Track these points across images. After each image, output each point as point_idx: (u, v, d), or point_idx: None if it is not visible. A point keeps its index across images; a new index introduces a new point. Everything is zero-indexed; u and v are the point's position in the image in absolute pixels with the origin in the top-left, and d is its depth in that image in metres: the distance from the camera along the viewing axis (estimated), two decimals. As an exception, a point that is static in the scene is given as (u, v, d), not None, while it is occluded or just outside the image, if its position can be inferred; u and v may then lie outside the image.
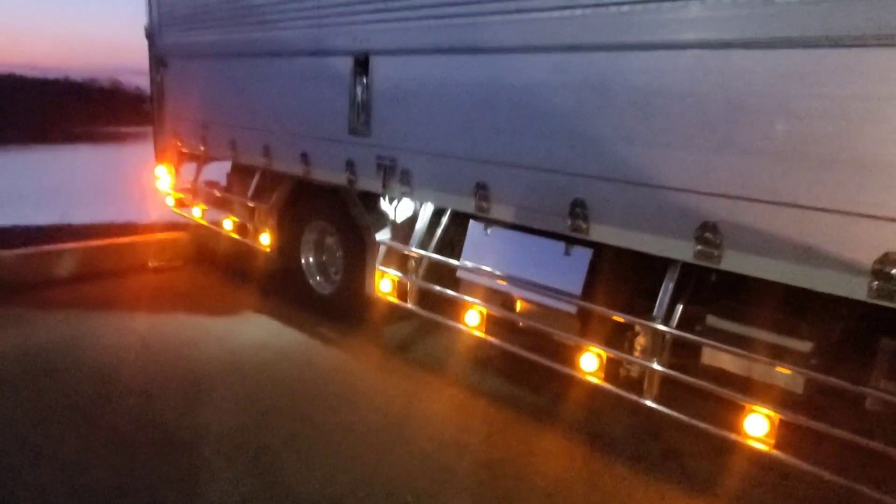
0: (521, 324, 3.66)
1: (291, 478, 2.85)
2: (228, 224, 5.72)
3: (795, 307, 2.71)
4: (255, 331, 4.61)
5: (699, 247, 2.63)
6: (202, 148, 5.78)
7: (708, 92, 2.51)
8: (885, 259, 2.17)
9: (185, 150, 6.18)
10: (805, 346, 2.66)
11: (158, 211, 6.88)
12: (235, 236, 5.72)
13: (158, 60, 6.21)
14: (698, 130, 2.56)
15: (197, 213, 6.15)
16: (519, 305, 3.69)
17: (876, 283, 2.20)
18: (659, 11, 2.61)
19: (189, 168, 6.36)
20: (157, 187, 6.52)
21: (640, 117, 2.73)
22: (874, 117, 2.15)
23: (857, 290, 2.25)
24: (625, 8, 2.72)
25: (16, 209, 8.30)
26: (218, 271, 6.05)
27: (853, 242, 2.24)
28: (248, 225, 5.53)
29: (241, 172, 5.79)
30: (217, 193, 5.99)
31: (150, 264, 6.03)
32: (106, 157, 24.74)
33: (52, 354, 4.06)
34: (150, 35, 6.26)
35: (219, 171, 6.15)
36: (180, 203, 6.37)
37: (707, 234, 2.60)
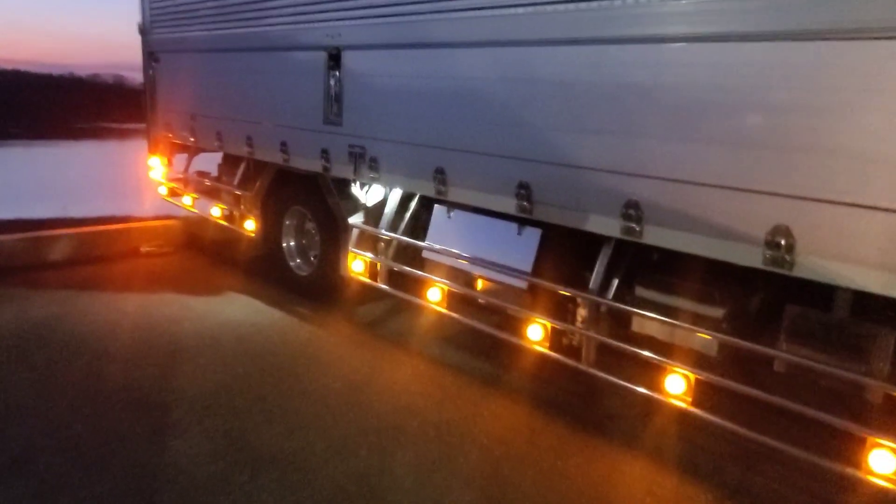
0: (478, 299, 3.95)
1: (255, 434, 3.14)
2: (216, 211, 6.03)
3: (712, 278, 2.98)
4: (236, 309, 4.90)
5: (625, 223, 2.91)
6: (191, 139, 6.07)
7: (623, 85, 2.79)
8: (776, 230, 2.44)
9: (176, 142, 6.47)
10: (718, 312, 2.94)
11: (158, 205, 7.16)
12: (223, 223, 6.03)
13: (150, 55, 6.51)
14: (620, 118, 2.84)
15: (188, 201, 6.45)
16: (479, 283, 3.99)
17: (769, 252, 2.47)
18: (580, 10, 2.90)
19: (181, 159, 6.68)
20: (150, 177, 6.82)
21: (571, 107, 3.01)
22: (766, 105, 2.42)
23: (754, 258, 2.52)
24: (548, 8, 3.01)
25: (18, 203, 8.59)
26: (206, 256, 6.35)
27: (750, 216, 2.51)
28: (234, 212, 5.83)
29: (230, 162, 6.08)
30: (206, 182, 6.29)
31: (141, 249, 6.33)
32: (108, 153, 25.11)
33: (45, 328, 4.36)
34: (143, 31, 6.56)
35: (210, 161, 6.45)
36: (172, 192, 6.68)
37: (631, 212, 2.88)
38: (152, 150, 6.75)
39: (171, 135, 6.43)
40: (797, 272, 2.43)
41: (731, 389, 2.74)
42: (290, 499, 2.66)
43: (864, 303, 2.62)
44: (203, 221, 6.55)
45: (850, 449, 2.42)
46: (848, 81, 2.22)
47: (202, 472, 2.81)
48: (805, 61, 2.30)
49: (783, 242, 2.43)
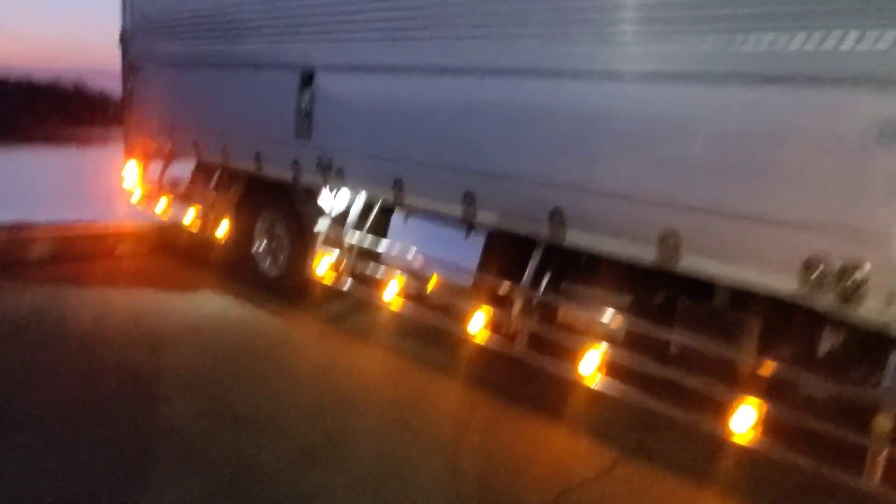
0: (432, 295, 4.49)
1: (235, 401, 3.62)
2: (191, 215, 6.46)
3: (622, 274, 3.58)
4: (212, 305, 5.35)
5: (551, 228, 3.50)
6: (169, 146, 6.50)
7: (547, 109, 3.39)
8: (665, 232, 3.04)
9: (153, 148, 6.89)
10: (626, 302, 3.54)
11: (128, 210, 7.52)
12: (195, 229, 6.45)
13: (131, 66, 6.94)
14: (547, 137, 3.43)
15: (162, 205, 6.85)
16: (433, 281, 4.53)
17: (658, 253, 3.08)
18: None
19: (156, 165, 7.08)
20: (125, 182, 7.20)
21: (507, 126, 3.60)
22: (659, 129, 3.04)
23: (648, 257, 3.13)
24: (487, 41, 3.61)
25: None
26: (180, 259, 6.76)
27: (645, 220, 3.11)
28: (208, 216, 6.28)
29: (204, 170, 6.52)
30: (181, 188, 6.72)
31: (116, 251, 6.71)
32: (69, 159, 25.02)
33: (36, 316, 4.74)
34: (124, 41, 6.99)
35: (182, 169, 6.88)
36: (147, 197, 7.08)
37: (556, 216, 3.46)
38: (129, 155, 7.15)
39: (148, 142, 6.85)
40: (681, 269, 3.04)
41: (635, 367, 3.33)
42: (268, 448, 3.15)
43: (738, 295, 3.24)
44: (176, 226, 6.97)
45: (727, 413, 3.02)
46: (731, 118, 2.84)
47: (191, 428, 3.29)
48: (698, 100, 2.92)
49: (675, 242, 3.03)
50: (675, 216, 3.01)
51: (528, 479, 3.12)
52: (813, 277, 2.65)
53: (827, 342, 3.07)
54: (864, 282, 2.53)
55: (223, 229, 6.06)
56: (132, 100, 7.00)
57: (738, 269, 2.88)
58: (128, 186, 7.14)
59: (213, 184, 6.20)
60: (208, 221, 6.26)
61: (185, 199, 6.61)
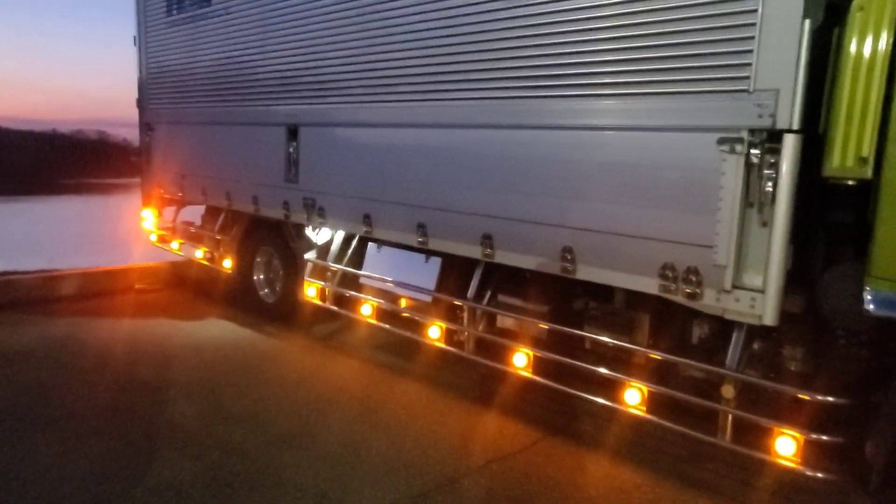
0: (400, 311, 5.30)
1: (228, 403, 4.43)
2: (200, 253, 7.37)
3: (545, 286, 4.36)
4: (215, 329, 6.21)
5: (483, 249, 4.31)
6: (180, 194, 7.46)
7: (478, 155, 4.24)
8: (564, 248, 3.84)
9: (166, 196, 7.85)
10: (545, 308, 4.33)
11: (145, 252, 8.45)
12: (205, 263, 7.37)
13: (146, 125, 7.96)
14: (476, 176, 4.27)
15: (175, 246, 7.79)
16: (402, 300, 5.35)
17: (561, 264, 3.88)
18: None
19: (169, 211, 8.04)
20: (142, 226, 8.16)
21: (445, 169, 4.45)
22: (558, 171, 3.86)
23: (554, 268, 3.93)
24: (435, 103, 4.49)
25: (4, 257, 9.14)
26: (190, 291, 7.66)
27: (549, 240, 3.91)
28: (215, 253, 7.19)
29: (211, 213, 7.46)
30: (192, 230, 7.66)
31: (136, 287, 7.64)
32: (91, 208, 26.37)
33: (65, 341, 5.63)
34: (140, 105, 8.03)
35: (193, 213, 7.83)
36: (162, 239, 8.02)
37: (486, 241, 4.28)
38: (146, 203, 8.13)
39: (162, 190, 7.82)
40: (581, 276, 3.83)
41: (557, 361, 4.10)
42: (252, 437, 3.95)
43: (632, 296, 4.00)
44: (188, 263, 7.90)
45: (621, 391, 3.76)
46: (607, 160, 3.66)
47: (190, 424, 4.10)
48: (584, 145, 3.76)
49: (571, 257, 3.83)
50: (571, 236, 3.82)
51: (463, 451, 3.87)
52: (668, 279, 3.43)
53: (697, 331, 3.83)
54: (700, 282, 3.31)
55: (228, 263, 6.96)
56: (148, 155, 8.02)
57: (617, 274, 3.68)
58: (146, 229, 8.11)
59: (218, 225, 7.12)
60: (216, 257, 7.18)
61: (195, 239, 7.55)
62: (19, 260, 8.53)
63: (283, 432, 4.04)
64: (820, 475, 3.16)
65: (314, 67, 5.46)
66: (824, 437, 3.11)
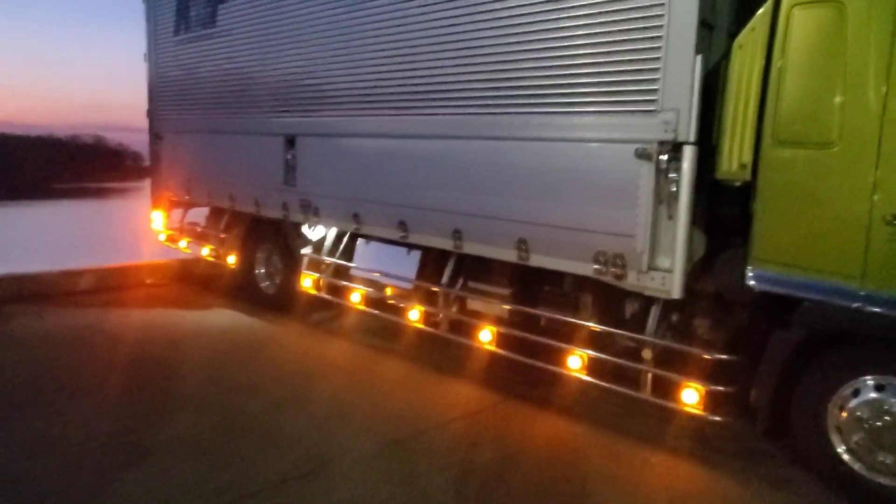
0: (385, 298, 6.09)
1: (231, 377, 5.20)
2: (206, 251, 8.16)
3: (507, 273, 5.16)
4: (220, 317, 7.00)
5: (454, 241, 5.10)
6: (187, 197, 8.25)
7: (447, 161, 5.04)
8: (519, 239, 4.64)
9: (174, 199, 8.64)
10: (507, 291, 5.12)
11: (147, 251, 9.25)
12: (211, 259, 8.15)
13: (155, 134, 8.76)
14: (446, 179, 5.07)
15: (183, 244, 8.58)
16: (387, 288, 6.14)
17: (517, 253, 4.67)
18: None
19: (177, 213, 8.83)
20: (152, 226, 8.95)
21: (421, 172, 5.25)
22: (512, 176, 4.66)
23: (512, 257, 4.72)
24: (408, 118, 5.30)
25: (8, 260, 9.69)
26: (197, 286, 8.45)
27: (507, 233, 4.71)
28: (220, 250, 7.97)
29: (215, 214, 8.25)
30: (198, 230, 8.45)
31: (147, 281, 8.42)
32: (90, 213, 27.14)
33: (83, 328, 6.39)
34: (150, 115, 8.82)
35: (197, 215, 8.61)
36: (170, 238, 8.81)
37: (456, 234, 5.07)
38: (155, 205, 8.91)
39: (171, 194, 8.61)
40: (532, 263, 4.63)
41: (517, 336, 4.90)
42: (250, 402, 4.70)
43: (578, 280, 4.79)
44: (194, 260, 8.69)
45: (567, 358, 4.55)
46: (550, 166, 4.46)
47: (198, 393, 4.86)
48: (532, 154, 4.55)
49: (525, 246, 4.63)
50: (524, 229, 4.61)
51: (433, 411, 4.66)
52: (601, 263, 4.23)
53: (629, 307, 4.62)
54: (624, 265, 4.11)
55: (232, 259, 7.75)
56: (157, 161, 8.81)
57: (562, 261, 4.49)
58: (155, 230, 8.90)
59: (223, 225, 7.91)
60: (220, 254, 7.96)
61: (201, 237, 8.33)
62: (22, 265, 8.69)
63: (279, 398, 4.82)
64: (718, 419, 3.97)
65: (309, 84, 6.25)
66: (720, 388, 3.92)
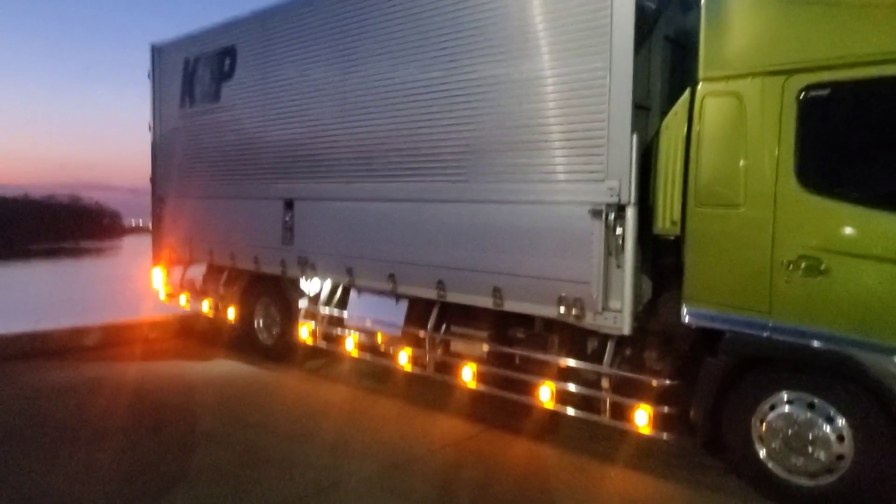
0: (377, 344, 6.82)
1: (243, 417, 5.86)
2: (206, 305, 8.84)
3: (485, 318, 5.93)
4: (223, 367, 7.66)
5: (438, 291, 5.89)
6: (188, 255, 8.98)
7: (430, 221, 5.87)
8: (494, 288, 5.44)
9: (174, 258, 9.35)
10: (486, 333, 5.89)
11: (148, 307, 9.91)
12: (211, 314, 8.83)
13: (158, 198, 9.53)
14: (430, 238, 5.89)
15: (183, 301, 9.25)
16: (378, 335, 6.88)
17: (493, 300, 5.47)
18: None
19: (177, 271, 9.52)
20: (153, 283, 9.62)
21: (408, 232, 6.07)
22: (485, 235, 5.49)
23: (488, 303, 5.52)
24: (388, 184, 6.17)
25: None
26: (198, 340, 9.10)
27: (483, 283, 5.51)
28: (220, 305, 8.66)
29: (214, 271, 8.96)
30: (198, 286, 9.14)
31: (149, 337, 9.05)
32: (66, 273, 27.52)
33: (91, 380, 6.98)
34: (153, 181, 9.61)
35: (195, 272, 9.32)
36: (170, 295, 9.48)
37: (440, 285, 5.87)
38: (156, 263, 9.61)
39: (171, 253, 9.32)
40: (506, 308, 5.42)
41: (494, 373, 5.65)
42: (265, 435, 5.38)
43: (546, 322, 5.58)
44: (193, 316, 9.35)
45: (538, 391, 5.30)
46: (520, 225, 5.30)
47: (217, 430, 5.52)
48: (500, 215, 5.40)
49: (499, 294, 5.43)
50: (498, 279, 5.43)
51: (425, 440, 5.36)
52: (564, 307, 5.04)
53: (591, 343, 5.41)
54: (582, 307, 4.92)
55: (231, 314, 8.44)
56: (159, 222, 9.57)
57: (531, 305, 5.29)
58: (156, 287, 9.57)
59: (223, 281, 8.62)
60: (220, 309, 8.65)
61: (201, 293, 9.03)
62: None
63: (289, 433, 5.49)
64: (665, 436, 4.73)
65: (306, 153, 7.11)
66: (665, 409, 4.69)
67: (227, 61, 8.10)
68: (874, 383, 3.87)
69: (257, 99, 7.69)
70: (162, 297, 9.56)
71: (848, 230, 3.93)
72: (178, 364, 7.80)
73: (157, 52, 9.36)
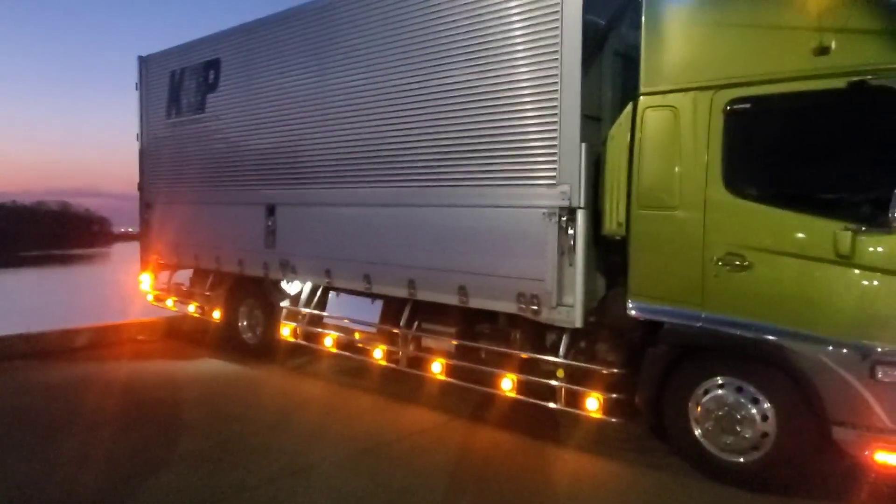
0: (354, 341, 7.24)
1: (226, 409, 6.26)
2: (192, 308, 9.24)
3: (453, 315, 6.36)
4: (208, 365, 8.06)
5: (408, 290, 6.32)
6: (176, 260, 9.38)
7: (402, 224, 6.31)
8: (459, 286, 5.87)
9: (162, 262, 9.75)
10: (453, 329, 6.32)
11: (137, 310, 10.29)
12: (197, 315, 9.22)
13: (146, 204, 9.93)
14: (403, 239, 6.32)
15: (170, 303, 9.64)
16: (356, 333, 7.30)
17: (459, 298, 5.90)
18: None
19: (164, 275, 9.92)
20: (141, 287, 10.01)
21: (382, 234, 6.49)
22: (450, 238, 5.93)
23: (454, 301, 5.94)
24: (364, 190, 6.61)
25: None
26: (184, 340, 9.49)
27: (451, 281, 5.94)
28: (205, 307, 9.06)
29: (199, 275, 9.35)
30: (184, 289, 9.54)
31: (138, 338, 9.43)
32: (55, 281, 27.80)
33: (83, 378, 7.37)
34: (141, 188, 10.01)
35: (182, 276, 9.72)
36: (158, 298, 9.87)
37: (411, 284, 6.30)
38: (144, 268, 9.99)
39: (159, 257, 9.72)
40: (471, 305, 5.85)
41: (462, 366, 6.08)
42: (246, 425, 5.78)
43: (509, 318, 6.01)
44: (180, 317, 9.75)
45: (501, 382, 5.73)
46: (480, 227, 5.74)
47: (200, 422, 5.91)
48: (464, 218, 5.84)
49: (464, 292, 5.86)
50: (463, 278, 5.86)
51: (394, 428, 5.77)
52: (522, 303, 5.47)
53: (549, 337, 5.84)
54: (539, 303, 5.36)
55: (217, 315, 8.84)
56: (147, 228, 9.96)
57: (493, 302, 5.73)
58: (144, 290, 9.96)
59: (208, 284, 9.03)
60: (206, 311, 9.05)
61: (187, 296, 9.43)
62: None
63: (268, 423, 5.90)
64: (614, 420, 5.17)
65: (287, 161, 7.55)
66: (613, 396, 5.13)
67: (212, 73, 8.53)
68: (792, 368, 4.32)
69: (240, 109, 8.12)
70: (150, 300, 9.97)
71: (766, 229, 4.38)
72: (165, 363, 8.19)
73: (145, 64, 9.79)
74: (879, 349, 3.97)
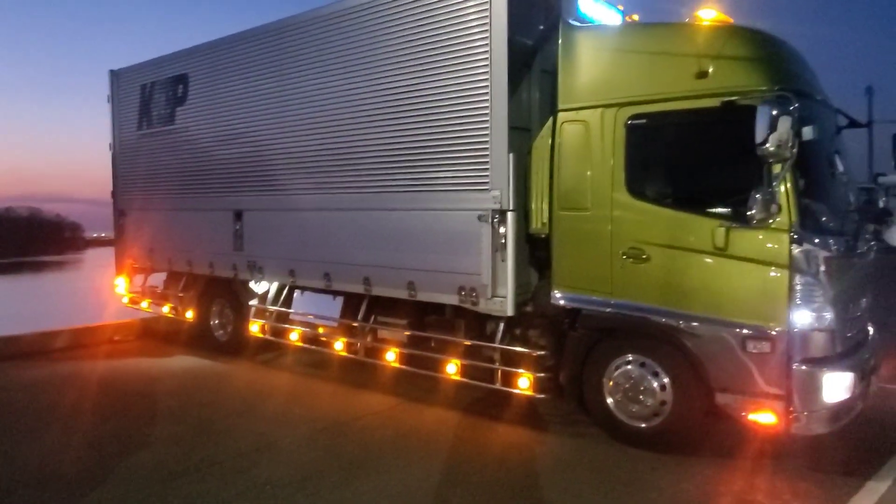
0: (317, 335, 7.95)
1: (198, 398, 6.93)
2: (167, 308, 9.87)
3: (405, 308, 7.08)
4: (183, 361, 8.72)
5: (365, 286, 7.04)
6: (150, 264, 10.01)
7: (357, 227, 7.03)
8: (409, 282, 6.60)
9: (136, 266, 10.36)
10: (405, 321, 7.05)
11: (112, 312, 10.88)
12: (171, 316, 9.86)
13: (120, 211, 10.54)
14: (359, 241, 7.04)
15: (145, 305, 10.26)
16: (319, 327, 8.01)
17: (408, 292, 6.63)
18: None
19: (138, 278, 10.53)
20: (116, 291, 10.61)
21: (340, 236, 7.21)
22: (405, 239, 6.66)
23: (404, 295, 6.67)
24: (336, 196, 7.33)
25: None
26: (159, 339, 10.12)
27: (401, 278, 6.67)
28: (179, 308, 9.69)
29: (173, 278, 9.99)
30: (158, 291, 10.17)
31: (114, 338, 10.04)
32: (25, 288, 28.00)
33: (61, 376, 7.99)
34: (114, 196, 10.62)
35: (156, 279, 10.34)
36: (133, 300, 10.48)
37: (366, 281, 7.01)
38: (119, 272, 10.60)
39: (133, 261, 10.33)
40: (419, 298, 6.59)
41: (413, 354, 6.81)
42: (217, 411, 6.45)
43: (456, 309, 6.74)
44: (155, 318, 10.37)
45: (446, 366, 6.47)
46: (431, 227, 6.47)
47: (175, 410, 6.59)
48: (412, 220, 6.57)
49: (413, 286, 6.59)
50: (412, 274, 6.59)
51: (351, 410, 6.50)
52: (462, 295, 6.22)
53: (489, 326, 6.59)
54: (477, 295, 6.10)
55: (190, 314, 9.49)
56: (121, 234, 10.57)
57: (438, 294, 6.48)
58: (119, 293, 10.57)
59: (181, 285, 9.67)
60: (179, 311, 9.69)
61: (161, 298, 10.06)
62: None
63: (236, 409, 6.60)
64: (542, 396, 5.94)
65: (252, 169, 8.23)
66: (541, 374, 5.90)
67: (181, 87, 9.18)
68: (683, 344, 5.12)
69: (208, 121, 8.78)
70: (126, 302, 10.58)
71: (661, 227, 5.18)
72: (141, 360, 8.83)
73: (116, 78, 10.40)
74: (747, 326, 4.79)
